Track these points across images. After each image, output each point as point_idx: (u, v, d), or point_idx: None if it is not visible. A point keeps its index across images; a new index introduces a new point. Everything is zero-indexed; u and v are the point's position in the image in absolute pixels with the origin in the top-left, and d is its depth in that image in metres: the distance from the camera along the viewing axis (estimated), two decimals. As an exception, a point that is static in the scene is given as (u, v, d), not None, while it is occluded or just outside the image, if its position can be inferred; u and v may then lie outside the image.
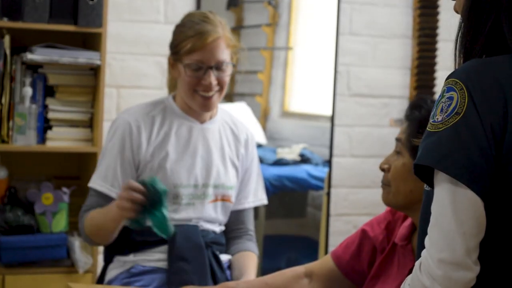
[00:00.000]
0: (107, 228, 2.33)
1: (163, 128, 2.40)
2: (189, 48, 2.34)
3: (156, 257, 2.40)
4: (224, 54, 2.36)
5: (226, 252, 2.51)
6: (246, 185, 2.53)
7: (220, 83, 2.38)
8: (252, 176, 2.54)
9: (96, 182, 2.41)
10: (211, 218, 2.45)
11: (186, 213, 2.40)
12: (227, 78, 2.39)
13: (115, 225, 2.31)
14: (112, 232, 2.34)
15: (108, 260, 2.46)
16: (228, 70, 2.39)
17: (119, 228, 2.33)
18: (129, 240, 2.41)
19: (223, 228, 2.51)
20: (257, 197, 2.57)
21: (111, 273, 2.44)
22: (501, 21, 1.38)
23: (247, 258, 2.49)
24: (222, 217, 2.49)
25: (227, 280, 2.41)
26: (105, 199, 2.37)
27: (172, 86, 2.52)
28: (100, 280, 2.48)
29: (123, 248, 2.43)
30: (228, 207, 2.49)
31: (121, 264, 2.41)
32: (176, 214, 2.38)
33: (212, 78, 2.34)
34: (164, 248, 2.39)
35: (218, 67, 2.36)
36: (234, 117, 2.57)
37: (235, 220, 2.53)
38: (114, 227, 2.32)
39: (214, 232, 2.46)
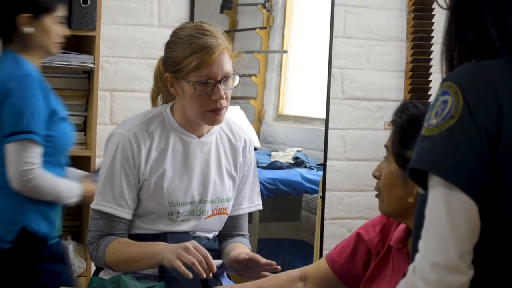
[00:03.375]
0: (138, 267, 2.28)
1: (160, 144, 2.34)
2: (196, 65, 2.25)
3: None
4: (229, 66, 2.30)
5: (219, 256, 2.48)
6: (240, 191, 2.48)
7: (227, 98, 2.31)
8: (247, 182, 2.50)
9: (101, 204, 2.31)
10: (206, 229, 2.43)
11: (181, 227, 2.37)
12: (230, 92, 2.33)
13: (150, 267, 2.27)
14: (141, 269, 2.30)
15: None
16: (231, 83, 2.32)
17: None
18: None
19: (216, 233, 2.49)
20: (252, 202, 2.52)
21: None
22: (486, 25, 1.38)
23: (239, 245, 2.47)
24: (217, 227, 2.46)
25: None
26: (113, 220, 2.31)
27: (155, 98, 2.46)
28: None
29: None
30: (224, 218, 2.46)
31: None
32: (170, 228, 2.35)
33: (222, 92, 2.28)
34: None
35: (225, 80, 2.29)
36: (232, 121, 2.51)
37: (229, 226, 2.50)
38: (147, 267, 2.28)
39: (207, 238, 2.42)
